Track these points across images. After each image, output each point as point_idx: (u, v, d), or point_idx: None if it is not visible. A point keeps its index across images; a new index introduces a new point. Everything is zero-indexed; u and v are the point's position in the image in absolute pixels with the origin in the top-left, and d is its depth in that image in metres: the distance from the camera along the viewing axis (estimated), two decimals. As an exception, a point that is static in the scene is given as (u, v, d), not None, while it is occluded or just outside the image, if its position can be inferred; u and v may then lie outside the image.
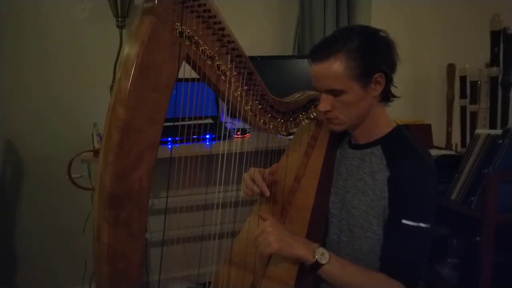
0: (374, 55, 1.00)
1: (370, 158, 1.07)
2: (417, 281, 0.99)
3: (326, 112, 1.05)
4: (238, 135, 1.89)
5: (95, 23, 2.00)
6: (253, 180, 1.14)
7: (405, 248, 0.97)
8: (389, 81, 1.04)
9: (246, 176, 1.17)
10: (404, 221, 0.96)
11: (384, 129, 1.09)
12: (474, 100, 1.98)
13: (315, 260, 0.93)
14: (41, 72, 1.97)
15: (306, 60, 2.07)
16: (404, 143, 1.06)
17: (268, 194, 1.12)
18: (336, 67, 0.98)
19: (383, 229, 1.01)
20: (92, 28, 2.00)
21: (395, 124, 1.11)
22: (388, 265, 0.98)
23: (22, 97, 1.97)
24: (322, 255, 0.94)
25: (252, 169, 1.16)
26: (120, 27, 1.95)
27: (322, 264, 0.93)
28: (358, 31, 1.01)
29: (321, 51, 1.01)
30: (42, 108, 1.99)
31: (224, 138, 1.77)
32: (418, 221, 0.96)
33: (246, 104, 1.00)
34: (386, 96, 1.07)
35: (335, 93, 1.01)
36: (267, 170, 1.17)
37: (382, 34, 1.02)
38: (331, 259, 0.94)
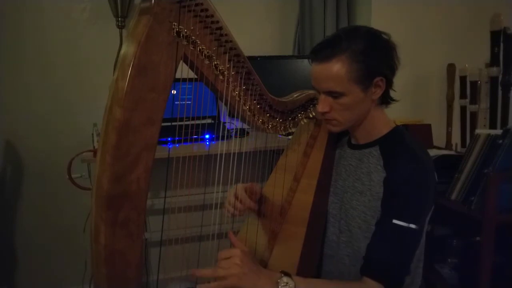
0: (377, 59, 0.98)
1: (368, 158, 1.07)
2: (399, 285, 0.96)
3: (324, 113, 1.04)
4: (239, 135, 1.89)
5: (95, 23, 2.00)
6: (237, 198, 1.11)
7: (392, 248, 0.95)
8: (389, 85, 1.03)
9: (230, 192, 1.13)
10: (394, 221, 0.95)
11: (382, 130, 1.08)
12: (474, 100, 1.98)
13: None
14: (41, 72, 1.97)
15: (306, 60, 2.06)
16: (402, 144, 1.05)
17: (256, 209, 1.11)
18: (338, 69, 0.96)
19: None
20: (92, 28, 2.00)
21: (394, 125, 1.10)
22: (371, 264, 0.96)
23: (22, 97, 1.97)
24: (286, 284, 0.89)
25: (235, 186, 1.12)
26: (120, 27, 1.95)
27: None
28: (363, 32, 0.99)
29: (323, 51, 0.98)
30: (42, 108, 1.99)
31: (223, 138, 1.77)
32: (408, 222, 0.94)
33: (245, 104, 1.00)
34: (385, 100, 1.06)
35: (334, 95, 1.00)
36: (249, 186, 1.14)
37: (385, 37, 1.01)
38: (297, 285, 0.90)
